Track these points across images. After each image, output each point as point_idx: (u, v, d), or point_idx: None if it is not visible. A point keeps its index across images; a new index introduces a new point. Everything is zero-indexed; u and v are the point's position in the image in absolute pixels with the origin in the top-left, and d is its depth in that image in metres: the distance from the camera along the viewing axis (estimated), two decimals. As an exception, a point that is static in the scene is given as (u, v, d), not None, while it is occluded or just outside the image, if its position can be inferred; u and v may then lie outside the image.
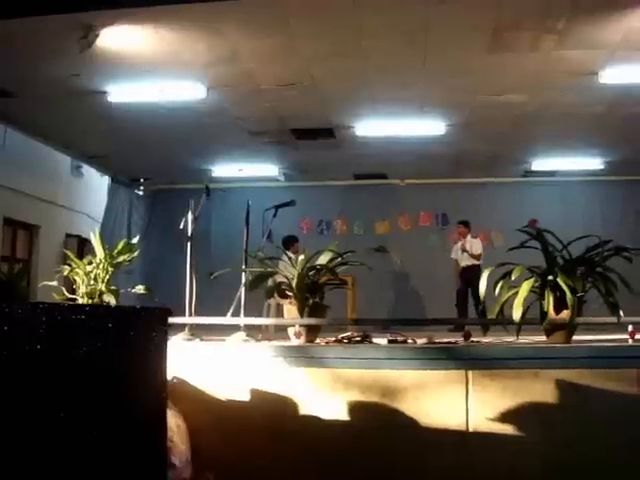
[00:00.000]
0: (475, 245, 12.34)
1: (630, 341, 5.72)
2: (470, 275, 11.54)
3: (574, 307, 5.35)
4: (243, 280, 6.87)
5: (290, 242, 10.81)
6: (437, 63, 8.43)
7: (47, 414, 2.90)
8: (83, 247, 12.72)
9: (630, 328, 5.81)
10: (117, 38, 7.57)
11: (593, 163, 13.50)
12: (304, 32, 7.66)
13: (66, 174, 14.28)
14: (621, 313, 5.53)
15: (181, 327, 6.29)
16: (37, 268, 13.08)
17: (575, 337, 5.62)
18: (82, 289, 6.47)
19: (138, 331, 3.43)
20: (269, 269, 6.60)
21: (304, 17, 7.35)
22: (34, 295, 10.67)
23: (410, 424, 5.00)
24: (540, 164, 13.75)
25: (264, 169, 14.26)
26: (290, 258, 6.80)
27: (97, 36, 7.36)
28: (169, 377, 4.05)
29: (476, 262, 12.01)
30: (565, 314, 5.43)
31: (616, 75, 8.61)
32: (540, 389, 4.97)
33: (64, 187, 14.10)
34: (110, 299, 6.50)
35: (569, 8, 6.97)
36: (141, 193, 16.14)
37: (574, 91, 9.30)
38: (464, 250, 12.36)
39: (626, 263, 5.69)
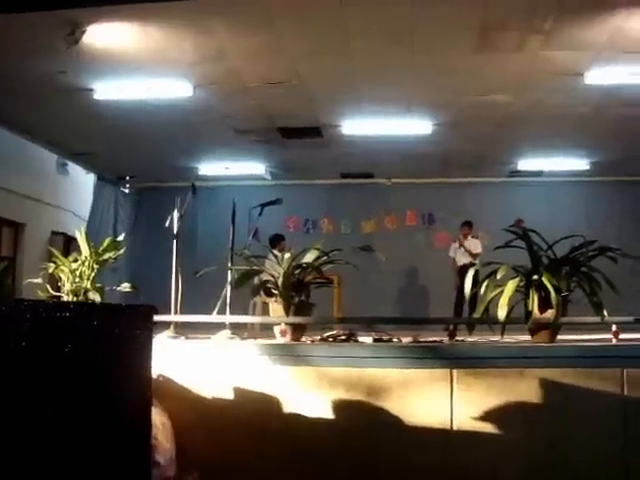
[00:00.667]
0: (474, 244, 12.41)
1: (614, 341, 5.75)
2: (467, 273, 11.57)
3: (559, 306, 5.38)
4: (229, 278, 6.87)
5: (277, 240, 10.83)
6: (424, 63, 8.45)
7: (31, 412, 2.89)
8: (69, 245, 12.63)
9: (614, 328, 5.84)
10: (104, 35, 7.55)
11: (579, 164, 13.57)
12: (291, 30, 7.66)
13: (52, 172, 14.21)
14: (605, 313, 5.57)
15: (166, 325, 6.30)
16: (22, 266, 13.00)
17: (559, 336, 5.66)
18: (67, 287, 6.45)
19: (123, 329, 3.42)
20: (255, 267, 6.60)
21: (291, 16, 7.35)
22: (19, 292, 10.60)
23: (395, 423, 5.01)
24: (526, 164, 13.82)
25: (251, 167, 14.24)
26: (276, 256, 6.80)
27: (84, 33, 7.34)
28: (154, 375, 4.04)
29: (473, 261, 12.06)
30: (550, 313, 5.46)
31: (602, 76, 8.66)
32: (524, 388, 4.99)
33: (50, 185, 14.04)
34: (95, 297, 6.48)
35: (555, 8, 7.00)
36: (127, 191, 16.07)
37: (560, 92, 9.34)
38: (461, 246, 12.43)
39: (610, 263, 5.73)
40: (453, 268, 12.66)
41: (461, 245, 12.47)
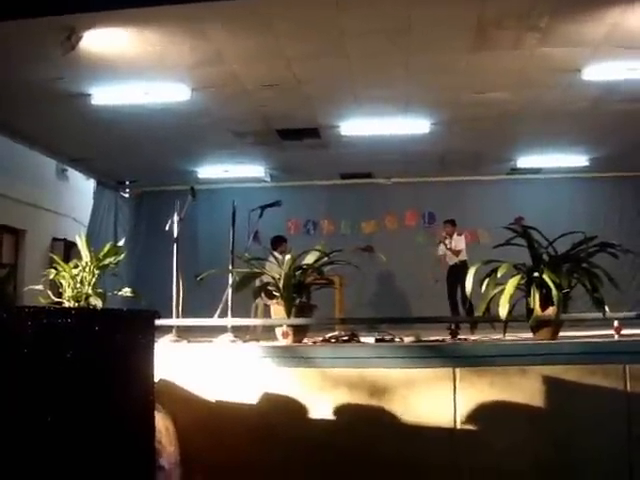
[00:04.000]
0: (455, 241, 12.30)
1: (616, 337, 5.75)
2: (457, 272, 11.57)
3: (560, 303, 5.38)
4: (230, 281, 6.86)
5: (278, 242, 10.80)
6: (420, 62, 8.45)
7: (33, 418, 2.89)
8: (70, 251, 12.61)
9: (616, 324, 5.84)
10: (100, 40, 7.54)
11: (578, 160, 13.56)
12: (287, 33, 7.66)
13: (51, 177, 14.21)
14: (607, 309, 5.56)
15: (168, 329, 6.29)
16: (23, 272, 12.99)
17: (561, 333, 5.65)
18: (68, 292, 6.43)
19: (125, 334, 3.42)
20: (255, 270, 6.59)
21: (287, 18, 7.35)
22: (20, 299, 10.59)
23: (398, 422, 5.01)
24: (525, 161, 13.81)
25: (250, 170, 14.25)
26: (277, 258, 6.80)
27: (80, 38, 7.33)
28: (157, 379, 4.05)
29: (462, 258, 12.02)
30: (551, 311, 5.46)
31: (599, 72, 8.66)
32: (527, 385, 4.99)
33: (49, 191, 14.03)
34: (97, 302, 6.47)
35: (552, 5, 7.00)
36: (127, 195, 16.08)
37: (558, 88, 9.34)
38: (443, 243, 12.37)
39: (611, 259, 5.73)
40: (442, 265, 12.52)
41: (441, 242, 12.39)
